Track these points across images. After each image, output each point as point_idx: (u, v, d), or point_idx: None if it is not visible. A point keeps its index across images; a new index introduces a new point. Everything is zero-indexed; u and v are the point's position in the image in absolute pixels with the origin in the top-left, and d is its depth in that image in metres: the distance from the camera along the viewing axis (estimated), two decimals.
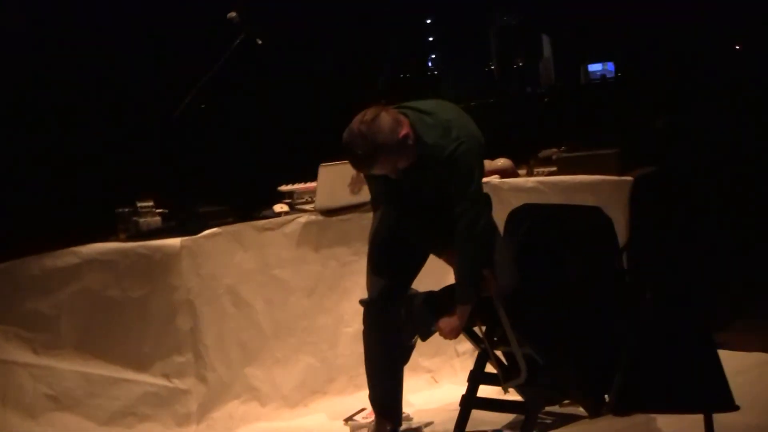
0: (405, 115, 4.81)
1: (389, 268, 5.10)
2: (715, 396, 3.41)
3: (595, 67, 10.16)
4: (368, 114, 4.71)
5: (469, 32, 13.00)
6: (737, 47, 10.71)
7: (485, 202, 5.03)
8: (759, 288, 7.37)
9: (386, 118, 4.70)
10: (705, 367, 3.40)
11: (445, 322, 4.98)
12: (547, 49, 10.02)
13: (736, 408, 3.50)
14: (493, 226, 5.14)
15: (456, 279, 4.97)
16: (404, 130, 4.72)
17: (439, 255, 5.15)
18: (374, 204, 5.32)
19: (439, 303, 5.06)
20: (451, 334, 5.02)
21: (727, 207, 8.31)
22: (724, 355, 5.67)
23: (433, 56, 14.53)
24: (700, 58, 9.70)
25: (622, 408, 4.09)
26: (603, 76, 10.08)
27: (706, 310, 3.84)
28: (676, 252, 6.46)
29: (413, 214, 5.03)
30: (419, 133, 4.78)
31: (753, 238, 8.06)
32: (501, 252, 5.12)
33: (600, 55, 10.29)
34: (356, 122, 4.70)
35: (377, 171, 4.81)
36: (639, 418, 4.96)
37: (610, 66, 10.20)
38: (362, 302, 5.18)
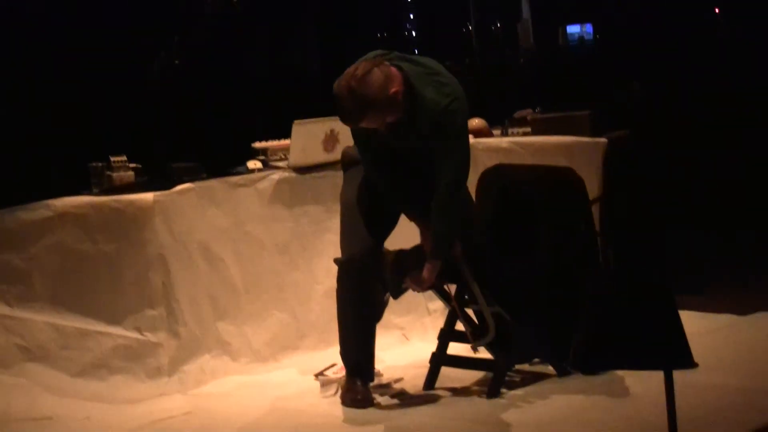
0: (399, 67, 4.71)
1: (369, 228, 5.05)
2: (674, 353, 3.45)
3: (573, 29, 10.15)
4: (360, 69, 4.61)
5: None
6: (716, 11, 10.74)
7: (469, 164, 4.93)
8: (733, 252, 7.44)
9: (378, 74, 4.60)
10: (665, 325, 3.44)
11: (415, 276, 4.94)
12: (525, 11, 10.00)
13: (694, 365, 3.55)
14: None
15: (431, 234, 4.91)
16: (395, 87, 4.63)
17: (412, 217, 5.15)
18: (344, 164, 5.31)
19: (409, 261, 5.07)
20: (420, 287, 5.00)
21: (702, 172, 8.36)
22: (694, 316, 5.79)
23: (410, 17, 14.51)
24: (678, 21, 9.73)
25: (585, 365, 4.14)
26: (581, 38, 10.07)
27: (668, 270, 3.88)
28: (647, 215, 6.51)
29: (394, 171, 4.99)
30: (416, 86, 4.69)
31: (726, 205, 8.11)
32: (471, 211, 5.15)
33: (579, 17, 10.29)
34: (347, 76, 4.61)
35: (365, 125, 4.73)
36: (606, 377, 5.03)
37: (588, 28, 10.19)
38: (338, 261, 5.15)
